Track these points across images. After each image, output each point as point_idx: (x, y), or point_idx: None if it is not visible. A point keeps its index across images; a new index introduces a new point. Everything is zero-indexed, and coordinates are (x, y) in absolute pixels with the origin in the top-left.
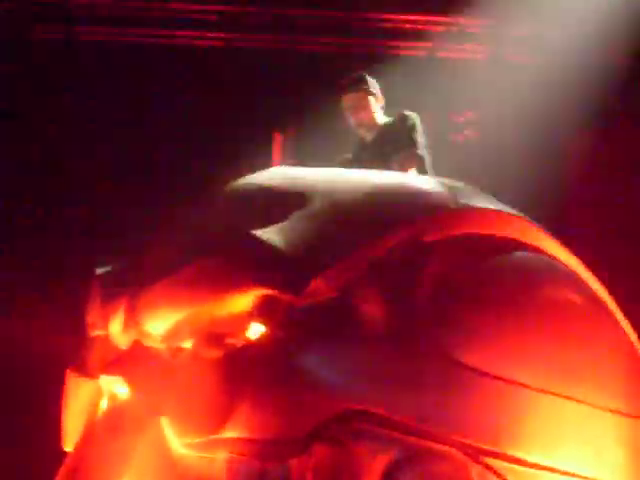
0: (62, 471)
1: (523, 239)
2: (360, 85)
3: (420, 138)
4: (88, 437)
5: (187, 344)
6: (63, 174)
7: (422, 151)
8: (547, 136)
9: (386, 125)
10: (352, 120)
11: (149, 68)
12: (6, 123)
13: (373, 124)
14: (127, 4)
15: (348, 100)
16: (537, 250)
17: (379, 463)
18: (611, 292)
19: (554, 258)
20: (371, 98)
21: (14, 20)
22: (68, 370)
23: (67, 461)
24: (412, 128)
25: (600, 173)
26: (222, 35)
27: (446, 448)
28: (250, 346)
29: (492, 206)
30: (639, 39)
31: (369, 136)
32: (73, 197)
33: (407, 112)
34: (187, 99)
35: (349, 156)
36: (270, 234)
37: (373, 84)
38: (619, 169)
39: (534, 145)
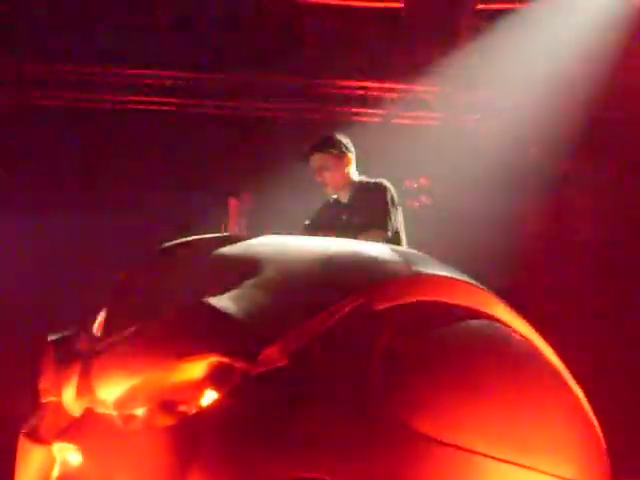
0: None
1: (477, 307)
2: (325, 147)
3: (394, 217)
4: None
5: (140, 411)
6: None
7: (393, 232)
8: (500, 200)
9: (361, 190)
10: (317, 179)
11: (100, 132)
12: None
13: (341, 185)
14: (81, 69)
15: (313, 161)
16: (491, 318)
17: None
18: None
19: (508, 326)
20: (336, 160)
21: None
22: (21, 436)
23: None
24: (386, 206)
25: (552, 233)
26: (175, 100)
27: None
28: (203, 413)
29: (446, 274)
30: (588, 103)
31: (343, 196)
32: None
33: (385, 183)
34: (140, 164)
35: (327, 204)
36: (223, 301)
37: (341, 145)
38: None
39: (488, 209)
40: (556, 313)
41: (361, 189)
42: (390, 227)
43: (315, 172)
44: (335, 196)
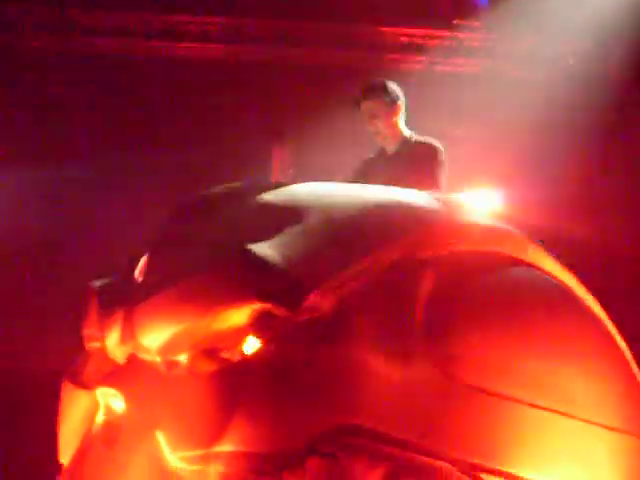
0: None
1: (518, 255)
2: (376, 93)
3: (440, 177)
4: (84, 450)
5: (183, 358)
6: None
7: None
8: (546, 150)
9: (410, 144)
10: (368, 127)
11: (148, 80)
12: None
13: (391, 134)
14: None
15: (364, 107)
16: (531, 266)
17: (373, 476)
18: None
19: (548, 274)
20: (387, 107)
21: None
22: (64, 382)
23: (63, 473)
24: (433, 164)
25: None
26: (221, 47)
27: (440, 463)
28: (246, 360)
29: (488, 222)
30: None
31: (390, 148)
32: None
33: (435, 143)
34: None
35: (370, 157)
36: (266, 249)
37: (393, 93)
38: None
39: (533, 154)
40: None
41: (410, 143)
42: (435, 186)
43: (366, 119)
44: (383, 147)
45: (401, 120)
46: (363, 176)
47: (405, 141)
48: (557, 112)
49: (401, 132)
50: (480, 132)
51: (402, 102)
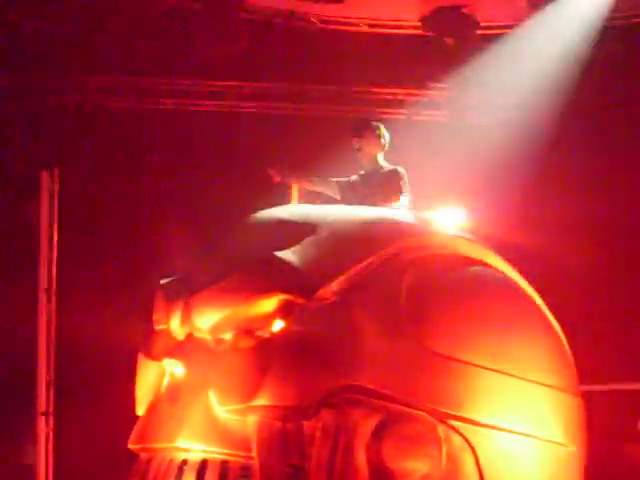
0: (135, 430)
1: (476, 257)
2: (369, 129)
3: (404, 195)
4: (154, 405)
5: (228, 336)
6: None
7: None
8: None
9: (383, 169)
10: (355, 148)
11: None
12: None
13: (371, 161)
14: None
15: (357, 136)
16: (486, 265)
17: (369, 424)
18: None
19: (499, 271)
20: (375, 141)
21: None
22: (140, 355)
23: (139, 423)
24: (400, 184)
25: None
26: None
27: (419, 413)
28: (274, 337)
29: (452, 233)
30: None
31: (368, 170)
32: None
33: (400, 170)
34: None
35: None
36: (289, 255)
37: (381, 133)
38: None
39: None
40: None
41: (383, 168)
42: (401, 195)
43: (355, 144)
44: (362, 172)
45: (381, 154)
46: (345, 194)
47: (380, 167)
48: (507, 147)
49: (378, 161)
50: (448, 165)
51: (385, 142)
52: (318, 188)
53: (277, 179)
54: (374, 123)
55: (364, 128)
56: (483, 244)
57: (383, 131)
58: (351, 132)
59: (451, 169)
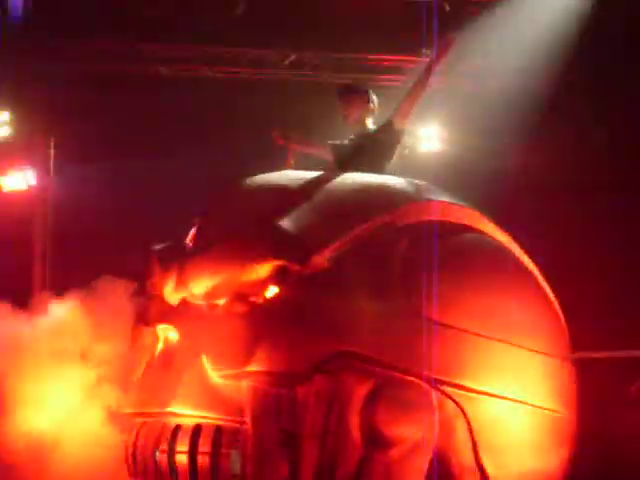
0: (129, 396)
1: (471, 224)
2: (358, 91)
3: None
4: (148, 371)
5: (221, 301)
6: None
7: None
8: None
9: (370, 136)
10: (344, 113)
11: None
12: None
13: (359, 123)
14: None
15: (345, 98)
16: (481, 232)
17: (363, 389)
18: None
19: (493, 237)
20: (362, 103)
21: None
22: (134, 321)
23: (133, 389)
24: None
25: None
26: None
27: (413, 379)
28: (268, 303)
29: (448, 199)
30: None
31: (356, 133)
32: None
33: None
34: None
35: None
36: (284, 221)
37: (369, 95)
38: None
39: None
40: None
41: (374, 132)
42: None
43: (344, 107)
44: (351, 136)
45: (370, 118)
46: (339, 158)
47: (369, 132)
48: (505, 114)
49: (367, 127)
50: (440, 132)
51: (374, 105)
52: (316, 151)
53: (281, 141)
54: (360, 87)
55: (351, 93)
56: (477, 211)
57: (371, 95)
58: (338, 98)
59: (442, 137)
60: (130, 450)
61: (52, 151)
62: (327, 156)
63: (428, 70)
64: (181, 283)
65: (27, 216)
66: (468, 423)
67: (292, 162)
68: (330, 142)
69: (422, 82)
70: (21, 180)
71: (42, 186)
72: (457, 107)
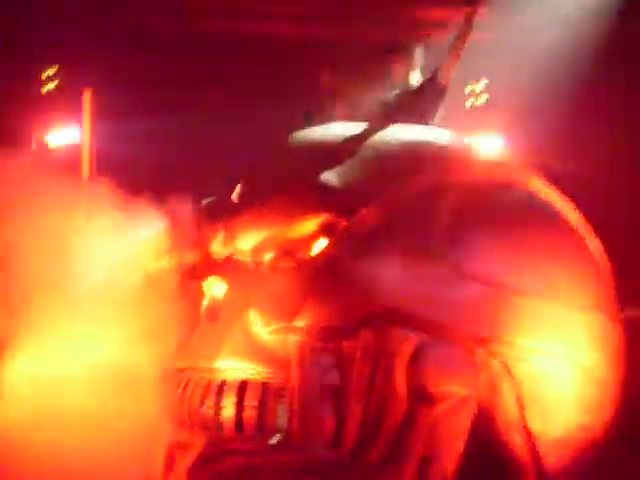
0: (176, 351)
1: (519, 182)
2: (401, 50)
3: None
4: (194, 325)
5: (268, 257)
6: None
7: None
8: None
9: (414, 91)
10: (390, 70)
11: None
12: None
13: (404, 80)
14: None
15: (390, 56)
16: (530, 190)
17: (408, 346)
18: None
19: (543, 197)
20: (406, 60)
21: None
22: (180, 275)
23: (180, 344)
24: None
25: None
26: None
27: (458, 337)
28: (314, 259)
29: (496, 157)
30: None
31: (399, 89)
32: None
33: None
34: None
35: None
36: (331, 176)
37: (414, 52)
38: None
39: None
40: None
41: (419, 87)
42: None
43: (389, 63)
44: (397, 91)
45: (416, 73)
46: (384, 112)
47: (412, 87)
48: (556, 70)
49: (411, 82)
50: (488, 88)
51: (418, 62)
52: (362, 98)
53: (328, 87)
54: (405, 43)
55: (396, 49)
56: (526, 169)
57: (414, 51)
58: (384, 54)
59: (491, 93)
60: (177, 405)
61: (96, 107)
62: (374, 110)
63: (467, 23)
64: (228, 239)
65: (72, 172)
66: (514, 381)
67: (340, 114)
68: (376, 96)
69: (462, 36)
70: (67, 136)
71: (87, 143)
72: (505, 62)
